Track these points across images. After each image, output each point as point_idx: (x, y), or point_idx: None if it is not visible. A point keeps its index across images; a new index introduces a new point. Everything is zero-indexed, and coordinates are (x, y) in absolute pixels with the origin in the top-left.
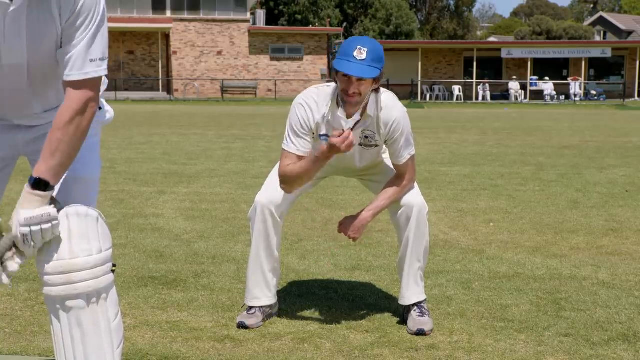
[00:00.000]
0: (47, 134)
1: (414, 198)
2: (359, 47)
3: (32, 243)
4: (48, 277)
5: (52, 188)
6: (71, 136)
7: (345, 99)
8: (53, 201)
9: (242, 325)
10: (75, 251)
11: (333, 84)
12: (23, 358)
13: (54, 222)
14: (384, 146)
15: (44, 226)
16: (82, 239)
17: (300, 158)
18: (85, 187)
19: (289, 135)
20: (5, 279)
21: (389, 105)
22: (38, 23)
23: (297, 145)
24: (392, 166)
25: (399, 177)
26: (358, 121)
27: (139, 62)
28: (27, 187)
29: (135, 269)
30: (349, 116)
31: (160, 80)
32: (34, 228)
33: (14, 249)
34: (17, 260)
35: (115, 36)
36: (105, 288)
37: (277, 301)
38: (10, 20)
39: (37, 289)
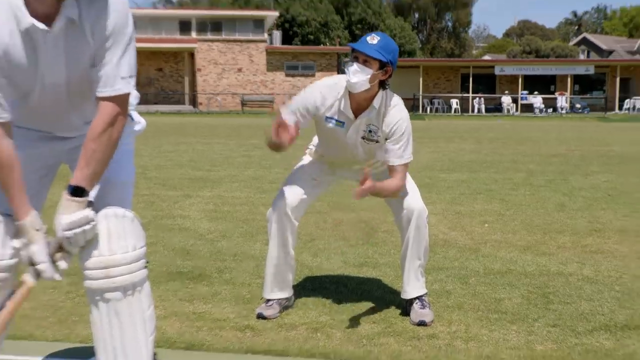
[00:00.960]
0: (81, 142)
1: (415, 203)
2: (372, 34)
3: (75, 246)
4: (89, 271)
5: (87, 194)
6: (104, 146)
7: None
8: (90, 204)
9: (261, 316)
10: (114, 248)
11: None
12: (65, 344)
13: (92, 223)
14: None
15: (85, 227)
16: (120, 238)
17: (287, 125)
18: (121, 190)
19: (297, 100)
20: (57, 276)
21: (395, 104)
22: (75, 47)
23: (294, 115)
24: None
25: (391, 177)
26: (364, 109)
27: (167, 78)
28: (65, 195)
29: (164, 265)
30: (356, 108)
31: (187, 95)
32: (76, 231)
33: (61, 252)
34: (66, 259)
35: (146, 55)
36: (139, 282)
37: (292, 294)
38: (51, 45)
39: (77, 282)
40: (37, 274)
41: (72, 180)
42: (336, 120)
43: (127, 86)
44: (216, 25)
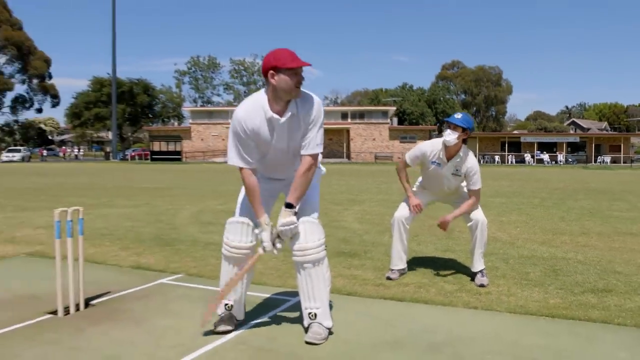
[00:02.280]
0: (291, 182)
1: (479, 215)
2: (458, 113)
3: (285, 236)
4: (295, 252)
5: (294, 207)
6: (306, 180)
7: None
8: (295, 214)
9: (388, 278)
10: (308, 240)
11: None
12: (282, 289)
13: (295, 224)
14: (464, 179)
15: (291, 227)
16: (311, 234)
17: (405, 164)
18: (313, 207)
19: (412, 153)
20: (275, 252)
21: (470, 155)
22: (294, 128)
23: (411, 161)
24: (467, 196)
25: (470, 198)
26: (453, 157)
27: (334, 144)
28: (283, 208)
29: (334, 248)
30: (448, 156)
31: (344, 153)
32: (286, 228)
33: (278, 238)
34: (280, 243)
35: (324, 132)
36: (322, 258)
37: (406, 266)
38: (280, 128)
39: (288, 257)
40: (264, 249)
41: (287, 199)
42: (437, 163)
43: (320, 149)
44: (361, 115)
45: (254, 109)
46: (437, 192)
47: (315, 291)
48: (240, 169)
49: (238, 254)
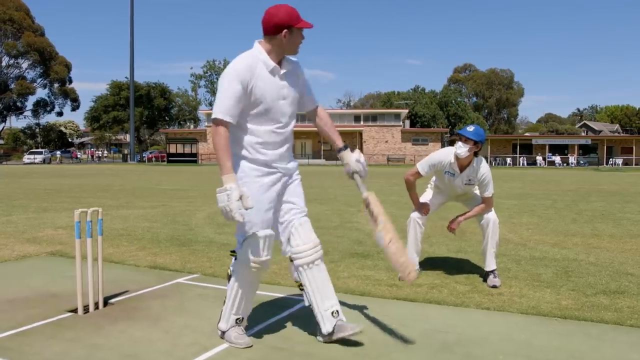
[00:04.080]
0: (288, 172)
1: (491, 214)
2: (470, 125)
3: (360, 170)
4: (306, 252)
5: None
6: (334, 125)
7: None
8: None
9: (401, 279)
10: (314, 236)
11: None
12: (294, 289)
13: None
14: (476, 185)
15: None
16: (312, 230)
17: (418, 175)
18: (304, 202)
19: (426, 162)
20: (237, 217)
21: (483, 164)
22: (292, 83)
23: (425, 171)
24: (478, 197)
25: (484, 203)
26: (465, 167)
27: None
28: (345, 149)
29: (347, 249)
30: (460, 167)
31: None
32: (359, 165)
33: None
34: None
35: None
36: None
37: (419, 267)
38: (281, 78)
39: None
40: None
41: (337, 144)
42: (450, 173)
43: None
44: (374, 118)
45: (255, 63)
46: (450, 194)
47: (330, 286)
48: (221, 125)
49: (256, 267)
